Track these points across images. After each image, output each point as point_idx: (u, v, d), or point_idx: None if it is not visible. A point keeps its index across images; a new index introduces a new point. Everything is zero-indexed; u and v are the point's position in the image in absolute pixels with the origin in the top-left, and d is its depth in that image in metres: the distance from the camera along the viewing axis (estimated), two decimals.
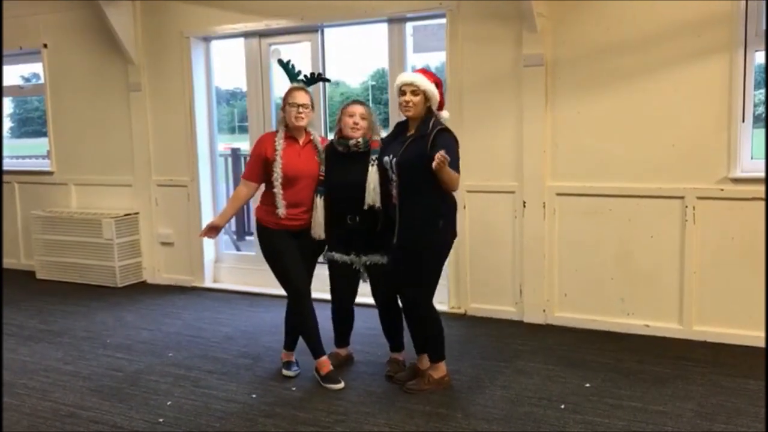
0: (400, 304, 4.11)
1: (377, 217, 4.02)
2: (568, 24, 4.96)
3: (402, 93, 3.87)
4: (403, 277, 3.94)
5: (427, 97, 3.84)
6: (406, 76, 3.90)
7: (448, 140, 3.78)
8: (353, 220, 4.07)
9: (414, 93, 3.84)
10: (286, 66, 4.26)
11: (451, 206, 3.94)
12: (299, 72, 4.25)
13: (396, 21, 5.67)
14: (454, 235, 4.00)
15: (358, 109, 4.07)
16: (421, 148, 3.77)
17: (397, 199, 3.89)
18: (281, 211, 4.07)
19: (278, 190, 4.07)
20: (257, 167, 4.16)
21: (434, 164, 3.50)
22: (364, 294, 4.36)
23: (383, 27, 5.75)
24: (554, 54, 5.02)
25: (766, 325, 4.50)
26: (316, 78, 4.31)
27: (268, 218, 4.14)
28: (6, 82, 7.56)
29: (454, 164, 3.69)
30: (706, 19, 4.57)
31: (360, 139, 4.04)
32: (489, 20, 5.18)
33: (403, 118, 4.02)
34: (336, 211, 4.11)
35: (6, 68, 7.44)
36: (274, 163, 4.06)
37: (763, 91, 4.89)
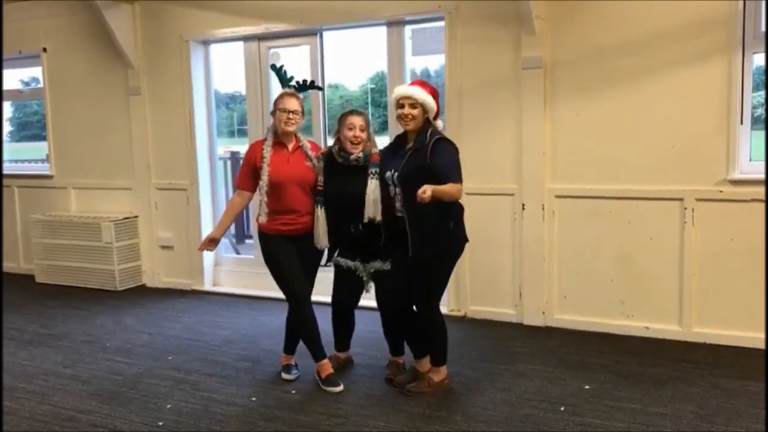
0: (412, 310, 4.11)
1: (379, 228, 4.02)
2: (566, 26, 4.97)
3: (400, 106, 3.88)
4: (416, 285, 3.94)
5: (425, 109, 3.85)
6: (404, 90, 3.90)
7: (446, 149, 3.80)
8: (356, 228, 4.07)
9: (412, 106, 3.84)
10: (279, 71, 4.26)
11: (457, 210, 3.94)
12: (291, 78, 4.25)
13: (395, 24, 5.68)
14: (465, 239, 4.00)
15: (358, 121, 4.05)
16: (420, 159, 3.78)
17: (404, 212, 3.89)
18: (263, 218, 4.10)
19: (263, 197, 4.08)
20: (248, 175, 4.17)
21: (419, 200, 3.46)
22: (363, 297, 4.35)
23: (382, 30, 5.75)
24: (553, 56, 5.02)
25: (767, 326, 4.49)
26: (308, 85, 4.30)
27: (267, 224, 4.15)
28: (5, 86, 7.56)
29: (455, 173, 3.70)
30: (704, 21, 4.58)
31: (360, 154, 4.04)
32: (488, 23, 5.19)
33: (402, 130, 4.02)
34: (336, 220, 4.11)
35: (5, 72, 7.44)
36: (261, 171, 4.07)
37: (762, 93, 4.90)
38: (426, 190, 3.45)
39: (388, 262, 4.07)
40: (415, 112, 3.84)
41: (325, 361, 4.24)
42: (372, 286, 4.19)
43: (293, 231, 4.13)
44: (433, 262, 3.88)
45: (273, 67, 4.32)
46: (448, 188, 3.58)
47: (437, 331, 4.04)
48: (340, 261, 4.20)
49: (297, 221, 4.13)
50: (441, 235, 3.83)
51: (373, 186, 3.98)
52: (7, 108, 8.71)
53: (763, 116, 5.00)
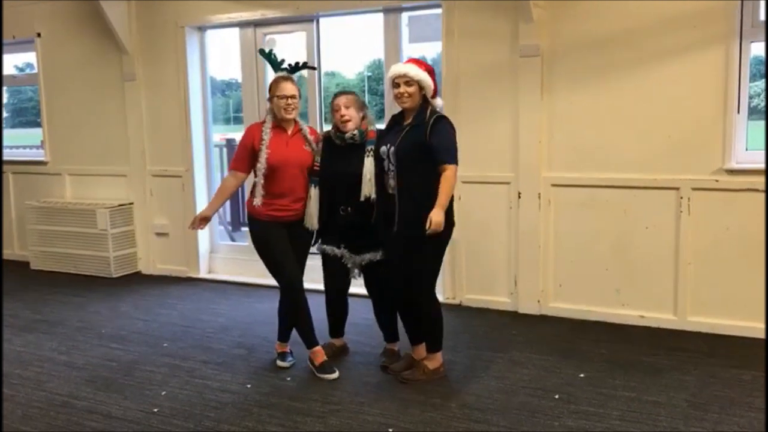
0: (402, 294, 4.10)
1: (370, 209, 4.02)
2: (564, 14, 4.95)
3: (396, 85, 3.86)
4: (406, 266, 3.92)
5: (421, 87, 3.83)
6: (398, 68, 3.88)
7: (445, 128, 3.80)
8: (345, 211, 4.06)
9: (408, 84, 3.82)
10: (269, 56, 4.21)
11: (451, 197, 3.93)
12: (282, 61, 4.20)
13: (391, 11, 5.65)
14: (452, 223, 3.99)
15: (341, 101, 4.03)
16: (419, 136, 3.78)
17: (395, 189, 3.87)
18: (257, 200, 4.06)
19: (259, 179, 4.05)
20: (245, 157, 4.13)
21: (428, 232, 3.58)
22: (358, 284, 4.35)
23: (379, 17, 5.73)
24: (550, 44, 5.01)
25: (767, 318, 4.50)
26: (300, 66, 4.26)
27: (259, 209, 4.13)
28: None
29: (452, 154, 3.74)
30: (702, 10, 4.56)
31: (356, 132, 4.02)
32: (485, 10, 5.17)
33: (398, 110, 4.01)
34: (329, 201, 4.10)
35: None
36: (260, 153, 4.04)
37: (758, 83, 4.89)
38: (433, 222, 3.57)
39: (380, 252, 4.07)
40: (410, 90, 3.82)
41: (318, 348, 4.24)
42: (358, 273, 4.19)
43: (287, 217, 4.12)
44: (423, 241, 3.80)
45: (261, 52, 4.25)
46: (446, 190, 3.67)
47: (432, 317, 4.03)
48: (326, 249, 4.19)
49: (291, 207, 4.11)
50: (427, 216, 3.77)
51: (369, 164, 3.97)
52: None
53: (761, 106, 4.99)
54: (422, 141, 3.74)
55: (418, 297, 3.98)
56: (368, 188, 3.96)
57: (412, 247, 3.85)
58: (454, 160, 3.73)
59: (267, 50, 4.22)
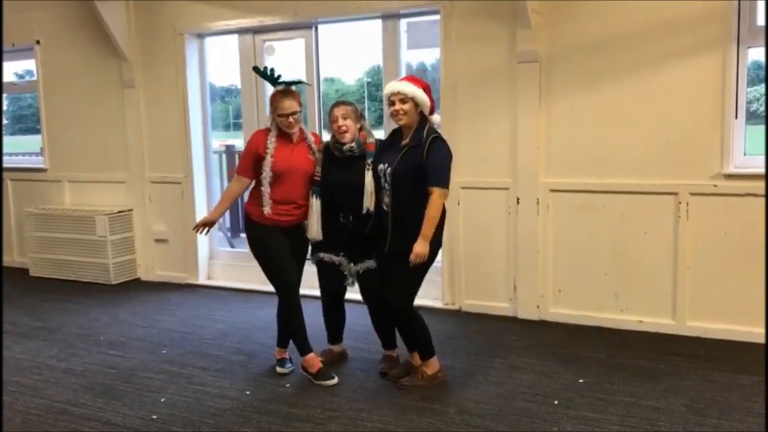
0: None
1: (369, 219, 4.03)
2: (562, 20, 4.96)
3: (391, 103, 3.87)
4: (389, 281, 3.94)
5: (417, 103, 3.83)
6: (393, 86, 3.89)
7: (440, 150, 3.81)
8: (346, 218, 4.07)
9: (402, 101, 3.83)
10: (265, 73, 4.18)
11: (441, 216, 3.94)
12: (279, 75, 4.16)
13: (390, 17, 5.66)
14: (439, 244, 4.00)
15: (339, 112, 4.04)
16: (416, 158, 3.79)
17: (390, 208, 3.89)
18: (266, 210, 4.08)
19: (266, 188, 4.06)
20: (250, 162, 4.15)
21: (411, 264, 3.72)
22: (357, 290, 4.35)
23: (377, 23, 5.74)
24: (548, 50, 5.01)
25: (767, 323, 4.50)
26: (297, 82, 4.20)
27: (258, 213, 4.14)
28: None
29: (444, 177, 3.77)
30: (699, 15, 4.57)
31: (354, 144, 4.03)
32: (483, 16, 5.18)
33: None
34: (330, 211, 4.11)
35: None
36: (264, 162, 4.06)
37: (757, 87, 4.90)
38: (413, 253, 3.71)
39: (374, 260, 4.08)
40: (405, 107, 3.83)
41: (311, 355, 4.23)
42: (352, 281, 4.20)
43: (288, 221, 4.13)
44: (404, 260, 3.80)
45: (256, 69, 4.21)
46: (430, 220, 3.74)
47: (414, 326, 4.04)
48: (324, 257, 4.19)
49: (292, 212, 4.13)
50: (418, 237, 3.80)
51: (370, 177, 3.98)
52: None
53: (760, 110, 4.99)
54: (419, 162, 3.76)
55: (399, 312, 3.99)
56: (369, 201, 3.98)
57: (397, 262, 3.86)
58: (442, 184, 3.76)
59: (261, 68, 4.18)
